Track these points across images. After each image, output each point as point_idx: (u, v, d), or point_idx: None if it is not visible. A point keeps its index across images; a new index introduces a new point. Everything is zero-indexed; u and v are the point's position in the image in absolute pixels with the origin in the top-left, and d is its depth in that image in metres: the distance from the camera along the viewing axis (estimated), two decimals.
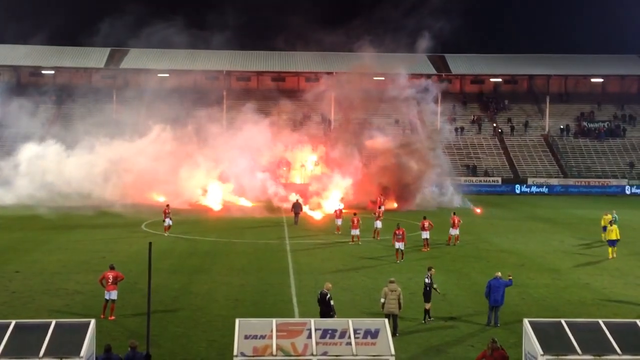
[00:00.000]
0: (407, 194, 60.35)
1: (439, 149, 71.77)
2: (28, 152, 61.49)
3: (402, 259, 35.18)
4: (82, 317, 21.65)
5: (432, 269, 24.86)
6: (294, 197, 55.30)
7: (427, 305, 24.08)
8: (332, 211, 53.63)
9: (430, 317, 24.10)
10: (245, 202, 60.46)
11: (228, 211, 57.10)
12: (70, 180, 58.42)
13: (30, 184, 58.40)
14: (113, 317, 24.00)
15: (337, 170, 60.37)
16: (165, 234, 43.48)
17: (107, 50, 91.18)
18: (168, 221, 44.09)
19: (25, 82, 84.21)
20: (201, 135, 63.35)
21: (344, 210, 48.01)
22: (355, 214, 42.70)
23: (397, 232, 35.69)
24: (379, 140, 65.52)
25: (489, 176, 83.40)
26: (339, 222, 45.55)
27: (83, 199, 57.32)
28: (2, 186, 59.67)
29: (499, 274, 24.55)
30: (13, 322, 17.61)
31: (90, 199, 57.38)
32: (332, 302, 21.90)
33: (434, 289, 24.28)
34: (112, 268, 25.12)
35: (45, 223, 48.08)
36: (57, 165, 59.87)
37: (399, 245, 35.38)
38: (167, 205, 45.57)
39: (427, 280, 24.21)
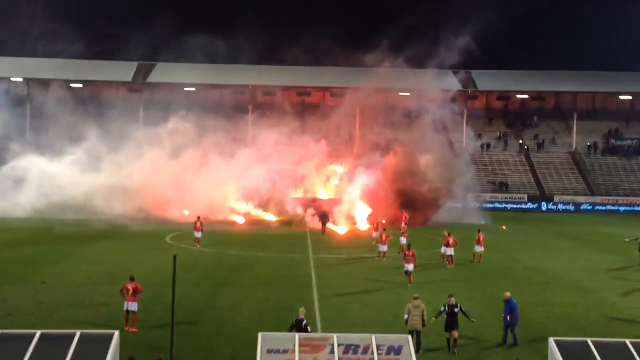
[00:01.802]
0: (424, 205, 59.40)
1: (464, 160, 70.98)
2: (45, 165, 61.89)
3: (409, 282, 33.38)
4: (106, 328, 21.78)
5: (453, 296, 23.14)
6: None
7: (455, 334, 22.43)
8: (360, 226, 56.16)
9: (455, 350, 22.39)
10: (271, 217, 60.87)
11: (252, 225, 57.63)
12: (87, 193, 58.62)
13: (45, 197, 58.31)
14: (135, 330, 24.11)
15: (360, 184, 60.08)
16: (197, 246, 43.96)
17: (135, 64, 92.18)
18: (199, 234, 44.67)
19: (54, 96, 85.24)
20: (224, 149, 63.76)
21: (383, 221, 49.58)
22: (385, 230, 42.58)
23: (407, 253, 34.33)
24: (398, 150, 64.65)
25: (516, 193, 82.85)
26: (377, 234, 45.69)
27: (99, 213, 57.23)
28: (15, 198, 59.73)
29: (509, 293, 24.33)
30: (39, 333, 17.80)
31: (106, 213, 57.28)
32: (309, 329, 20.69)
33: (465, 314, 22.76)
34: (132, 279, 25.24)
35: (69, 236, 48.38)
36: (76, 179, 60.12)
37: (408, 267, 33.68)
38: (199, 218, 45.90)
39: (442, 309, 22.79)
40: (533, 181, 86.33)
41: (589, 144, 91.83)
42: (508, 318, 23.68)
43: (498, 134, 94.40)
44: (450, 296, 23.24)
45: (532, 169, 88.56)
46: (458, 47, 67.46)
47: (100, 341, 17.76)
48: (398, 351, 17.67)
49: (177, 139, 64.98)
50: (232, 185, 60.84)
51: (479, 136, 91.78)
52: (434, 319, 22.98)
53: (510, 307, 23.69)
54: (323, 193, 66.84)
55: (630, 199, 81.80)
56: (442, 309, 22.87)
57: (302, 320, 20.77)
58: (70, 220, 53.81)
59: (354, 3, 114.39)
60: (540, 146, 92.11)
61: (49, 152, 64.98)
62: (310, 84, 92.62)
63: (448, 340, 22.60)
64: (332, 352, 17.54)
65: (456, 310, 22.64)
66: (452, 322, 22.50)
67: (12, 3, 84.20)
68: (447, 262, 39.01)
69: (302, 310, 21.38)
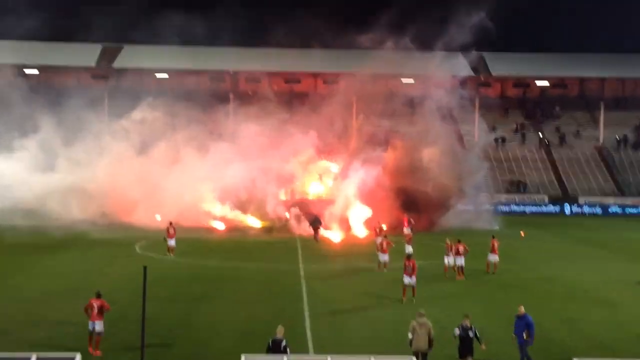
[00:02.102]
0: (429, 206, 59.35)
1: (475, 156, 71.02)
2: None
3: (413, 296, 33.25)
4: (67, 350, 21.77)
5: (468, 317, 22.78)
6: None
7: None
8: (357, 231, 56.86)
9: None
10: (254, 221, 60.83)
11: (233, 231, 57.74)
12: (40, 197, 58.38)
13: None
14: (99, 352, 24.02)
15: (356, 182, 60.11)
16: (171, 255, 44.12)
17: (99, 47, 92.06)
18: (172, 242, 44.79)
19: (5, 82, 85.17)
20: (200, 143, 63.71)
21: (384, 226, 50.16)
22: (385, 237, 42.70)
23: (407, 263, 34.01)
24: (397, 143, 64.61)
25: (535, 194, 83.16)
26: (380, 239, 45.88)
27: (55, 218, 57.14)
28: None
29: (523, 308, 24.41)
30: None
31: (63, 218, 57.19)
32: (288, 351, 20.18)
33: (477, 338, 22.37)
34: (98, 296, 25.05)
35: (20, 245, 47.81)
36: (25, 180, 59.88)
37: (409, 280, 33.35)
38: (171, 224, 45.83)
39: (457, 332, 22.40)
40: (554, 180, 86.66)
41: (617, 137, 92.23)
42: (524, 336, 23.78)
43: (514, 126, 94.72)
44: (466, 317, 22.82)
45: (553, 166, 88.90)
46: (468, 25, 67.30)
47: None
48: None
49: (146, 132, 64.89)
50: (207, 185, 60.64)
51: (493, 128, 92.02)
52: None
53: (525, 324, 23.78)
54: (312, 193, 66.62)
55: None
56: (457, 332, 22.48)
57: (281, 341, 20.52)
58: (20, 227, 53.48)
59: None
60: (562, 140, 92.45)
61: None
62: (299, 69, 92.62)
63: None
64: None
65: (470, 333, 22.29)
66: (465, 347, 22.20)
67: None
68: (456, 273, 39.12)
69: (280, 329, 21.07)
